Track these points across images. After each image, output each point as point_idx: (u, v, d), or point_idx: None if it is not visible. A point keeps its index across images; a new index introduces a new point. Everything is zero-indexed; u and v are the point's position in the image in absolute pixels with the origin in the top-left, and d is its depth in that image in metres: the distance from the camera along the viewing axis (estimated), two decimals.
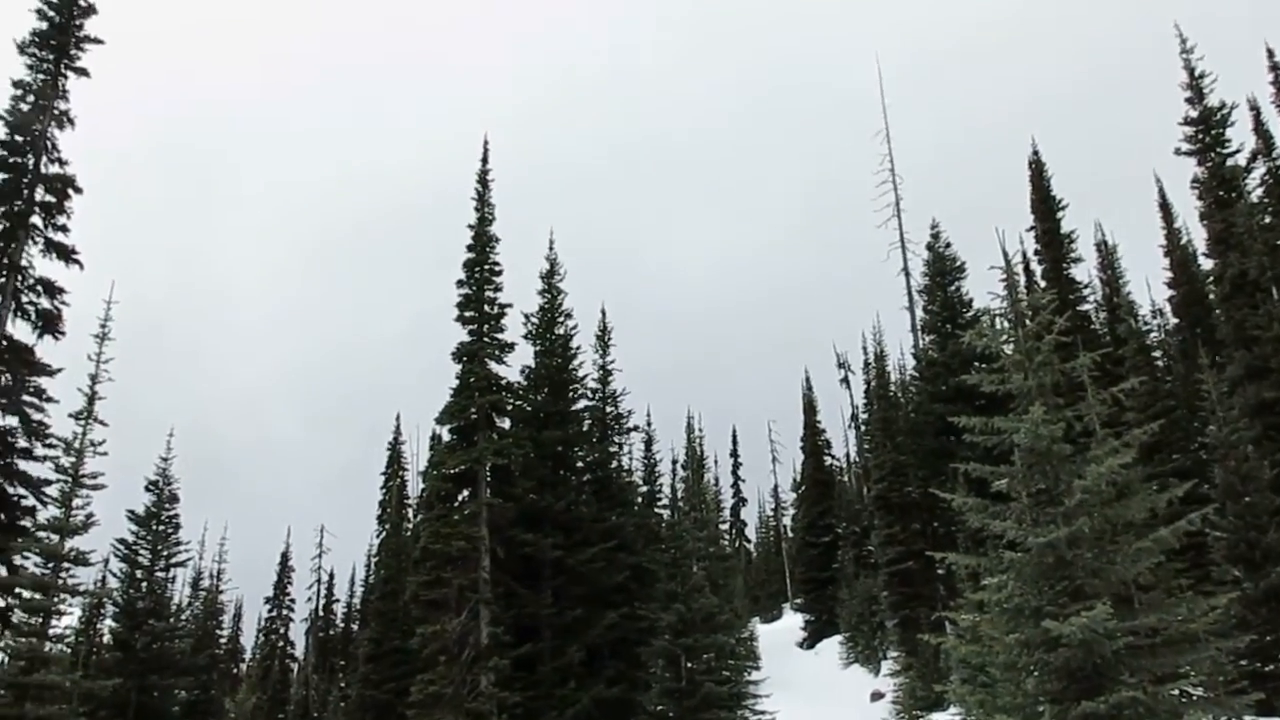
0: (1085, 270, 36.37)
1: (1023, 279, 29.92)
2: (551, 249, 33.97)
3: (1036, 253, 36.14)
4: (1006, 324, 14.15)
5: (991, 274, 14.19)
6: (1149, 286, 36.98)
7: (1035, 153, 36.92)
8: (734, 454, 76.57)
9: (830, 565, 49.83)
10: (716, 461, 73.74)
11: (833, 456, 60.42)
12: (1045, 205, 36.21)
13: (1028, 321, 13.88)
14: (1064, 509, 12.30)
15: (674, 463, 50.51)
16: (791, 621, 56.64)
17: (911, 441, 33.57)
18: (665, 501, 41.95)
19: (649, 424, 45.90)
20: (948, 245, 34.60)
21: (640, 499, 38.96)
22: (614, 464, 35.64)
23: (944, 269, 34.18)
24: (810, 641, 50.02)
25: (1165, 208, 36.24)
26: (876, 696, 33.94)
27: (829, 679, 39.97)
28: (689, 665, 25.84)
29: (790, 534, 67.38)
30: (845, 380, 60.45)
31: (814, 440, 58.22)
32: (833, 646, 44.24)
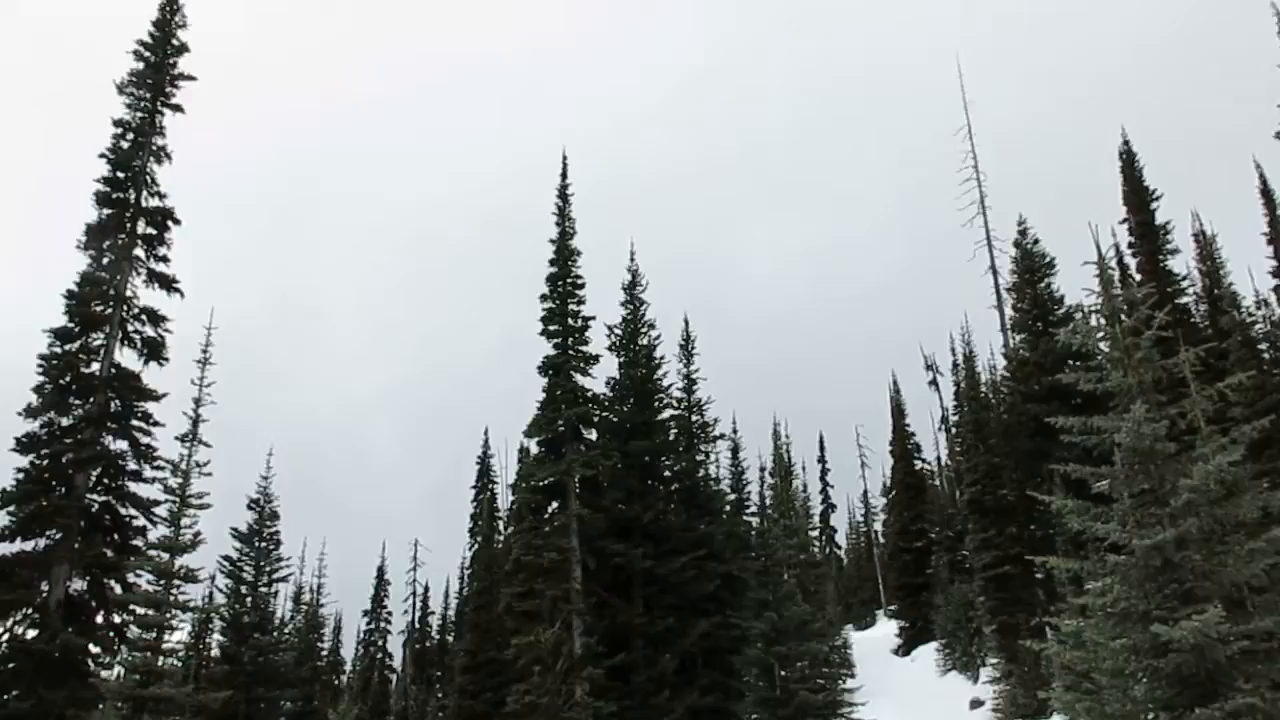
0: (1183, 262, 35.18)
1: (1117, 273, 29.09)
2: (633, 260, 34.18)
3: (1130, 245, 35.08)
4: (1102, 320, 13.79)
5: (1084, 270, 13.85)
6: (1252, 276, 35.54)
7: (1125, 143, 35.88)
8: (821, 459, 75.93)
9: (924, 571, 48.96)
10: (804, 468, 73.02)
11: (923, 460, 59.42)
12: (1138, 197, 35.14)
13: (1124, 317, 13.51)
14: (1170, 510, 11.93)
15: (761, 470, 50.23)
16: (885, 628, 55.80)
17: (1005, 443, 32.82)
18: (753, 509, 41.78)
19: (735, 431, 45.79)
20: (1036, 241, 33.78)
21: (728, 507, 38.87)
22: (701, 472, 35.63)
23: (1033, 265, 33.38)
24: (905, 648, 49.21)
25: (1267, 194, 34.83)
26: (976, 704, 33.22)
27: (926, 686, 39.26)
28: (783, 673, 25.61)
29: (881, 539, 66.39)
30: (934, 382, 59.33)
31: (903, 444, 57.35)
32: (929, 653, 43.45)
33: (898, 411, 59.26)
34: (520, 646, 27.16)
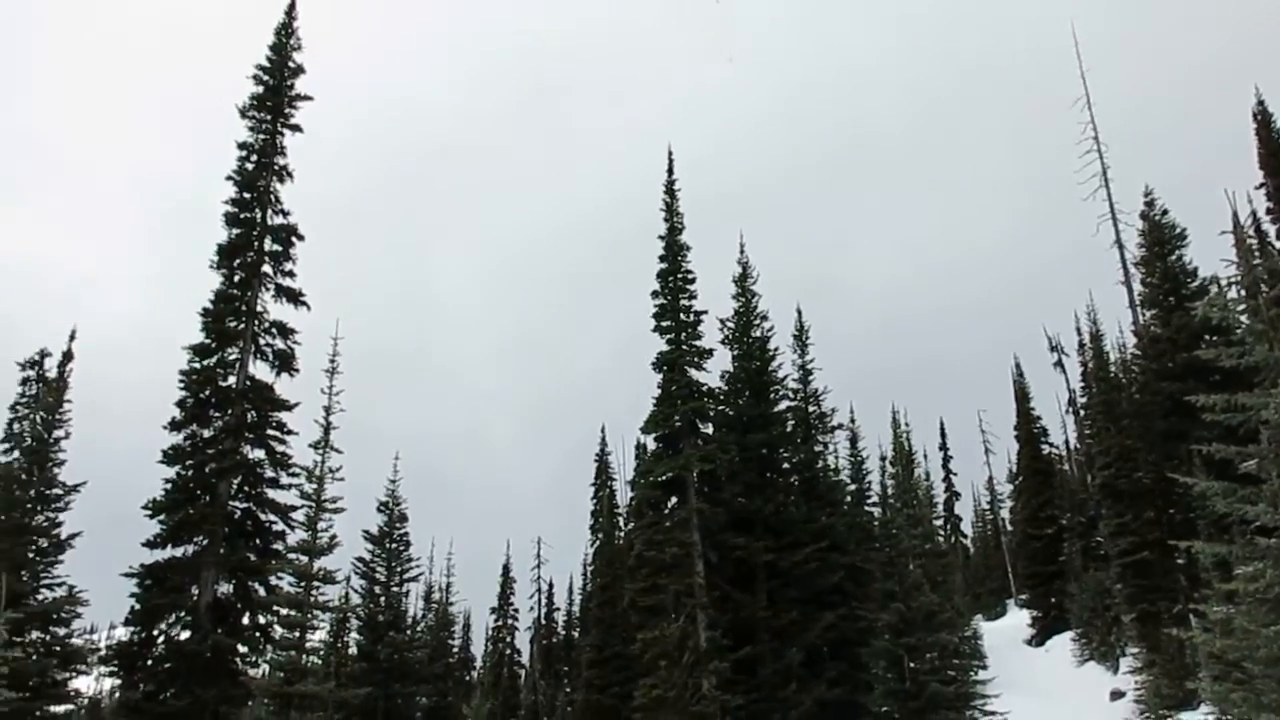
0: None
1: (1255, 242, 27.74)
2: (742, 253, 34.04)
3: (1269, 211, 33.29)
4: (1241, 292, 13.18)
5: (1219, 240, 13.26)
6: None
7: (1260, 103, 33.98)
8: (943, 447, 74.19)
9: (1055, 558, 47.47)
10: (926, 456, 71.47)
11: (1050, 444, 57.45)
12: (1276, 160, 33.31)
13: (1265, 288, 12.88)
14: None
15: (882, 459, 49.38)
16: (1017, 618, 54.29)
17: (1138, 424, 31.59)
18: (875, 499, 41.15)
19: (853, 421, 45.08)
20: (1164, 212, 32.36)
21: (849, 498, 38.38)
22: (820, 464, 35.28)
23: (1162, 237, 32.00)
24: (1039, 639, 47.81)
25: None
26: (1116, 695, 32.10)
27: (1062, 677, 38.07)
28: (912, 665, 25.22)
29: (1009, 527, 64.59)
30: (1059, 364, 57.44)
31: (1028, 428, 55.61)
32: (1064, 643, 42.11)
33: (1021, 395, 57.53)
34: (646, 641, 27.40)
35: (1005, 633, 50.52)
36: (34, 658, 21.96)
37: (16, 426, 28.09)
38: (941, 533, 68.54)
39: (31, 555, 23.23)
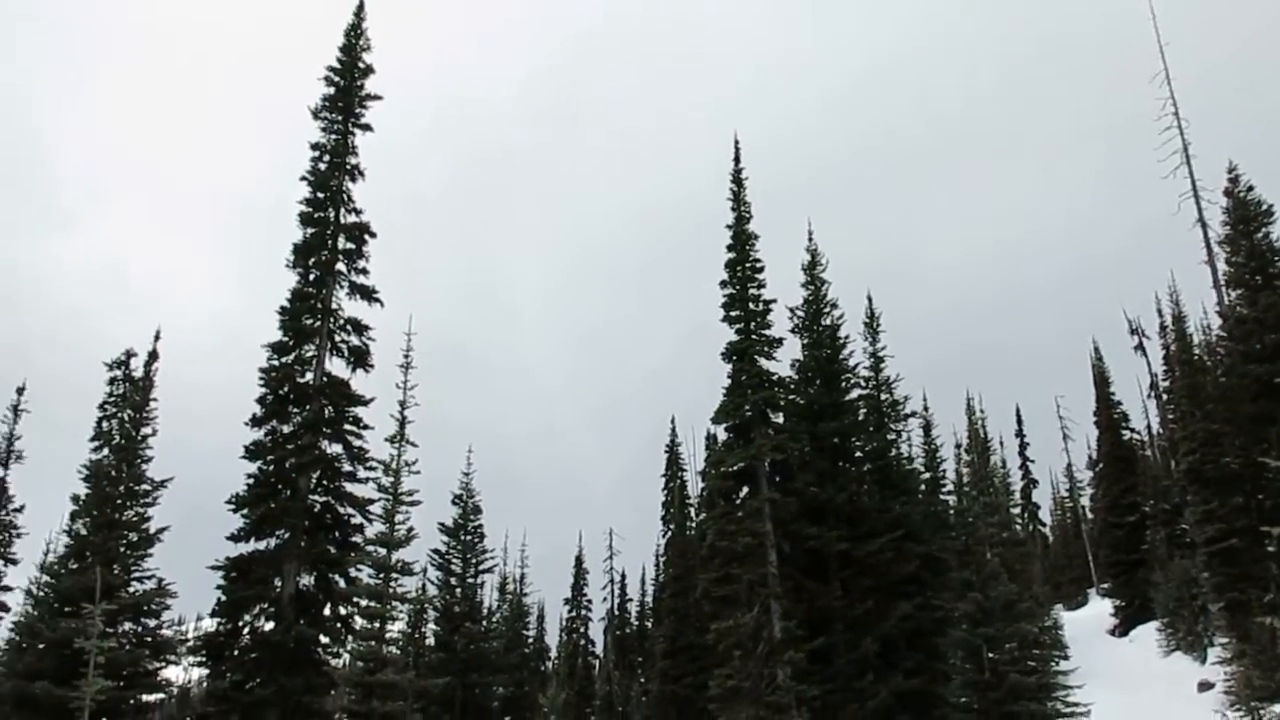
0: None
1: None
2: (811, 240, 33.71)
3: None
4: None
5: None
6: None
7: None
8: (1019, 434, 72.87)
9: (1139, 546, 46.37)
10: (1002, 443, 70.26)
11: (1131, 430, 56.08)
12: None
13: None
14: None
15: (957, 447, 48.65)
16: (1099, 608, 53.16)
17: (1224, 408, 30.66)
18: (950, 487, 40.55)
19: (926, 408, 44.47)
20: (1250, 188, 31.28)
21: (923, 486, 37.90)
22: (893, 452, 34.85)
23: (1247, 215, 30.94)
24: (1122, 629, 46.76)
25: None
26: (1205, 686, 31.26)
27: (1147, 668, 37.20)
28: (991, 656, 24.81)
29: (1089, 515, 63.23)
30: (1140, 347, 56.07)
31: (1108, 414, 54.31)
32: (1149, 633, 41.14)
33: (1101, 380, 56.20)
34: (720, 631, 27.39)
35: (1087, 623, 49.55)
36: (127, 648, 22.73)
37: (105, 425, 29.08)
38: (1019, 521, 67.41)
39: (122, 549, 24.01)
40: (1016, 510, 68.88)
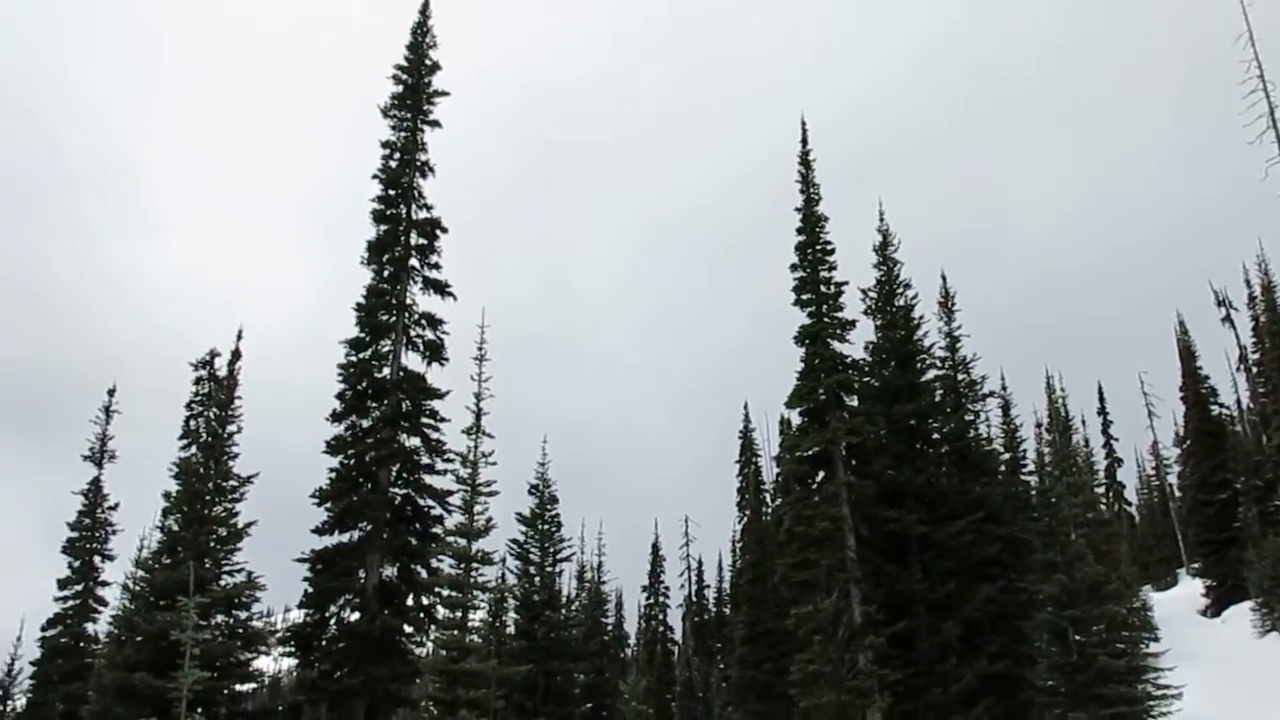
0: None
1: None
2: (882, 220, 33.25)
3: None
4: None
5: None
6: None
7: None
8: (1102, 411, 71.26)
9: (1230, 524, 45.08)
10: (1084, 422, 68.67)
11: (1220, 405, 54.46)
12: None
13: None
14: None
15: (1037, 426, 47.85)
16: (1189, 588, 51.83)
17: None
18: (1031, 468, 39.81)
19: (1004, 388, 43.70)
20: None
21: (1003, 467, 37.23)
22: (971, 433, 34.27)
23: None
24: (1214, 609, 45.55)
25: None
26: None
27: (1241, 649, 36.16)
28: (1078, 638, 24.34)
29: (1178, 493, 61.60)
30: (1227, 318, 54.23)
31: (1195, 389, 52.79)
32: (1243, 613, 39.98)
33: (1187, 354, 54.64)
34: (799, 616, 27.28)
35: (1177, 603, 48.37)
36: (220, 640, 23.37)
37: (193, 424, 29.91)
38: (1104, 501, 65.93)
39: (213, 544, 24.67)
40: (1101, 490, 67.38)
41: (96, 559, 37.67)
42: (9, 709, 39.27)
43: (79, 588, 36.95)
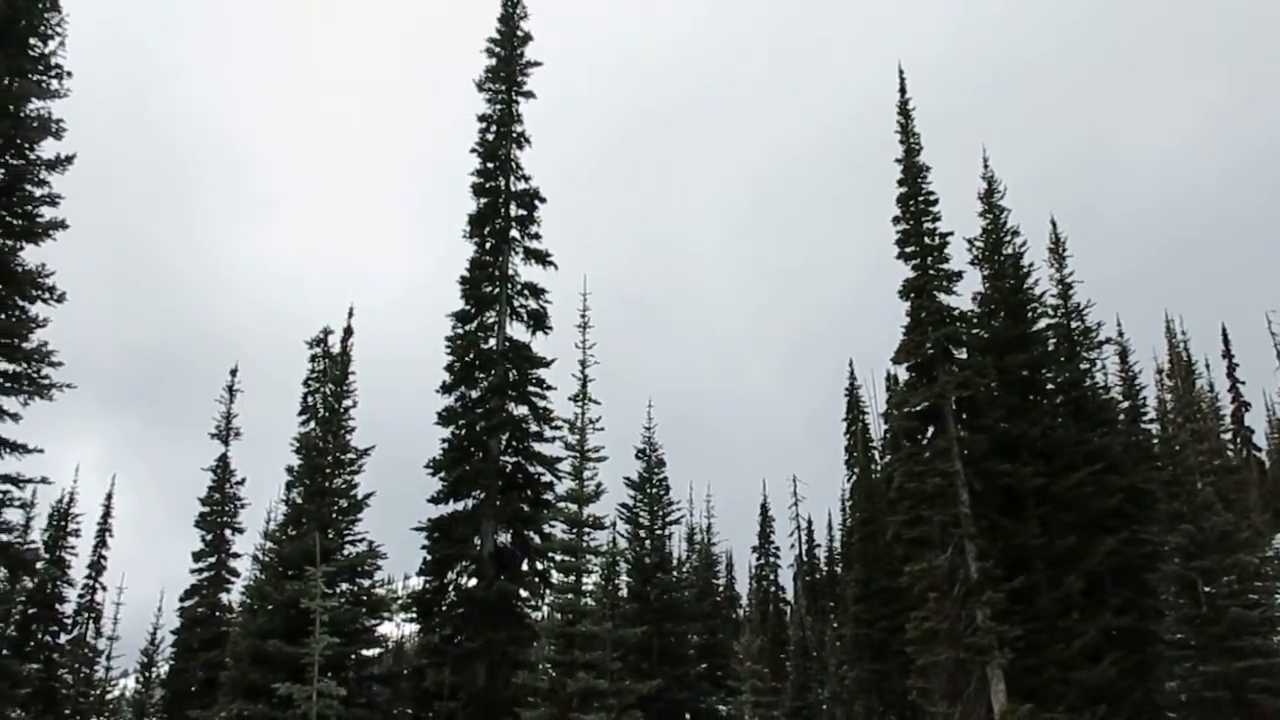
0: None
1: None
2: (986, 167, 32.20)
3: None
4: None
5: None
6: None
7: None
8: (1227, 354, 68.21)
9: None
10: (1208, 365, 65.90)
11: None
12: None
13: None
14: None
15: (1158, 372, 45.90)
16: None
17: None
18: (1152, 416, 38.43)
19: (1120, 334, 42.19)
20: None
21: (1122, 416, 36.01)
22: (1088, 382, 33.19)
23: None
24: None
25: None
26: None
27: None
28: (1208, 590, 23.59)
29: None
30: None
31: None
32: None
33: None
34: (913, 574, 26.96)
35: None
36: (346, 607, 24.24)
37: (310, 400, 30.93)
38: (1231, 447, 63.25)
39: (335, 515, 25.54)
40: (1228, 436, 64.61)
41: (227, 532, 39.45)
42: (154, 675, 41.58)
43: (212, 560, 38.79)
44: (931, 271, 28.92)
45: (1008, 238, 31.45)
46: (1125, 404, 37.52)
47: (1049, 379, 31.27)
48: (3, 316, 22.53)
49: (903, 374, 31.34)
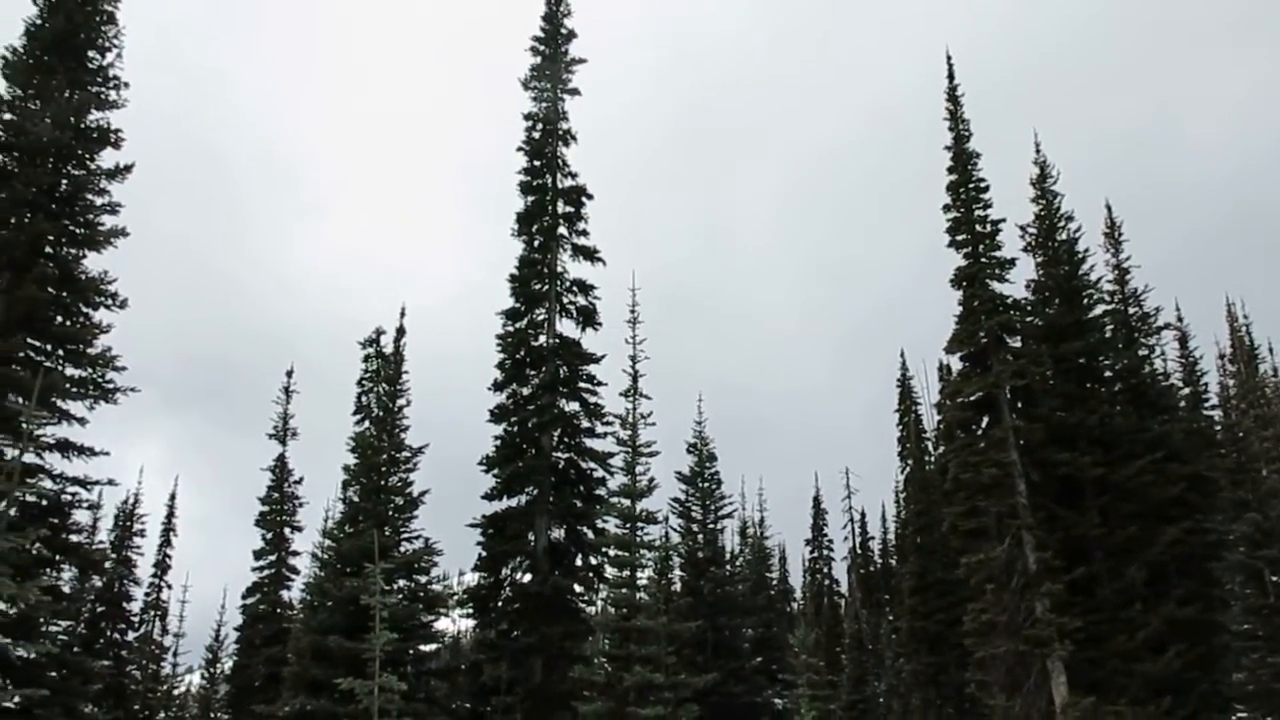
0: None
1: None
2: (1039, 152, 31.71)
3: None
4: None
5: None
6: None
7: None
8: None
9: None
10: (1271, 349, 64.34)
11: None
12: None
13: None
14: None
15: (1219, 357, 44.87)
16: None
17: None
18: (1214, 402, 37.60)
19: (1180, 319, 41.29)
20: None
21: (1183, 403, 35.28)
22: (1147, 368, 32.58)
23: None
24: None
25: None
26: None
27: None
28: (1274, 579, 23.07)
29: None
30: None
31: None
32: None
33: None
34: (970, 566, 26.66)
35: None
36: (403, 603, 24.56)
37: (364, 399, 31.32)
38: None
39: (391, 512, 25.86)
40: None
41: (286, 530, 40.09)
42: (218, 671, 42.44)
43: (273, 558, 39.45)
44: (984, 259, 28.55)
45: (1061, 223, 30.99)
46: (1186, 390, 36.71)
47: (1106, 366, 30.74)
48: (68, 323, 23.13)
49: (956, 364, 31.04)
